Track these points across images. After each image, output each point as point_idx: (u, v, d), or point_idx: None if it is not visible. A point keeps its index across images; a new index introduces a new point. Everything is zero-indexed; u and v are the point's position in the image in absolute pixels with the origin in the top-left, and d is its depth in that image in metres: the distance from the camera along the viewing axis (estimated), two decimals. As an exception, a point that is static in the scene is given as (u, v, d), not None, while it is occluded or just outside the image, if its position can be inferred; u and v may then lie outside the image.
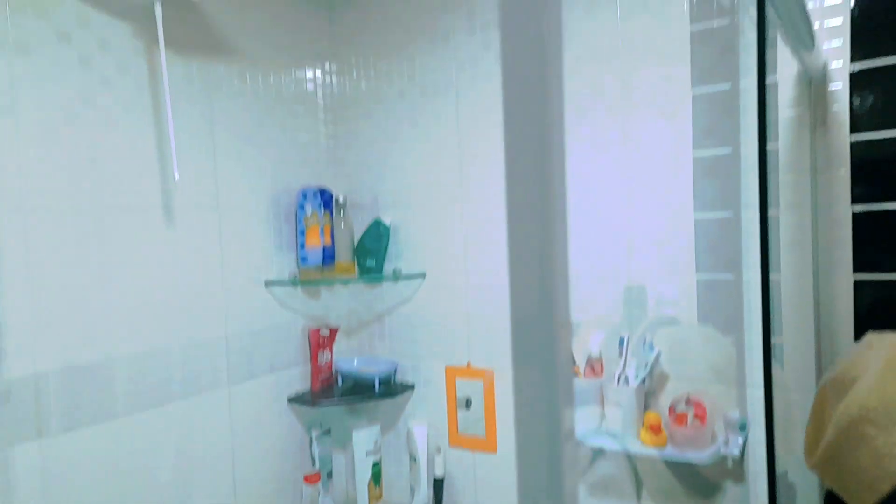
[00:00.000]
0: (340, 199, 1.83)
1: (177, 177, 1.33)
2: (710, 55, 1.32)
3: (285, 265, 1.77)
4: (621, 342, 1.41)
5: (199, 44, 1.53)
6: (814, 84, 1.19)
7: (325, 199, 1.81)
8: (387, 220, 1.83)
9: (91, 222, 1.29)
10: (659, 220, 1.40)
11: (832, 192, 1.23)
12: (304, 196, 1.77)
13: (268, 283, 1.72)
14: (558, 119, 0.34)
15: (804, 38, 0.96)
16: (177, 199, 1.46)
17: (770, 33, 0.96)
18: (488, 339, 1.69)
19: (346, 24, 1.89)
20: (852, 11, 1.18)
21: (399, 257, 1.84)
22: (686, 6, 1.34)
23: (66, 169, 1.25)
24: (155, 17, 1.33)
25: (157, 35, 1.33)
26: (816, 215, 1.25)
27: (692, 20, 1.33)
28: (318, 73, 1.90)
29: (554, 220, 0.34)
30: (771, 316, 0.92)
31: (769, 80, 1.24)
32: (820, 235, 1.25)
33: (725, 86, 1.30)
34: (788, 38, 0.95)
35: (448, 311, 1.75)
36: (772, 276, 1.29)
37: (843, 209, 1.22)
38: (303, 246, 1.76)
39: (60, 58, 1.24)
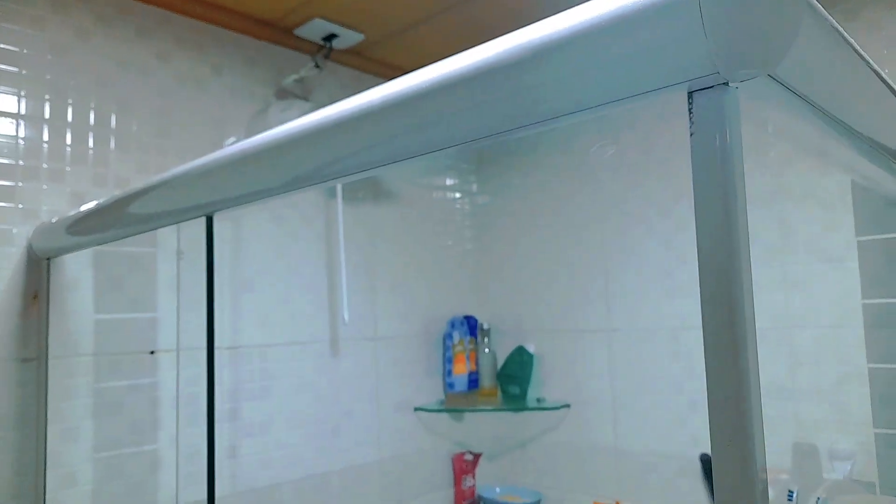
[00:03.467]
0: (485, 326, 1.90)
1: (346, 318, 1.46)
2: (875, 205, 1.29)
3: (432, 390, 1.84)
4: (790, 496, 1.32)
5: (369, 193, 1.70)
6: None
7: (471, 326, 1.89)
8: (530, 348, 1.87)
9: (274, 357, 1.43)
10: (827, 368, 1.34)
11: None
12: (452, 325, 1.85)
13: (417, 409, 1.79)
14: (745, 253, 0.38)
15: None
16: (342, 334, 1.59)
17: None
18: (640, 478, 1.64)
19: (494, 166, 2.03)
20: None
21: (543, 385, 1.86)
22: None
23: (256, 312, 1.41)
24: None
25: (337, 190, 1.51)
26: None
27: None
28: (467, 206, 2.03)
29: (745, 351, 0.36)
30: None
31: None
32: None
33: (891, 234, 1.26)
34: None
35: (594, 444, 1.73)
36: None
37: None
38: (450, 373, 1.83)
39: (261, 218, 1.43)
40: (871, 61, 0.49)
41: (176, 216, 0.83)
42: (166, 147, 1.34)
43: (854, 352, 1.30)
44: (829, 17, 0.41)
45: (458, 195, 2.01)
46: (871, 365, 1.30)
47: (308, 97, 1.52)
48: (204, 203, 0.77)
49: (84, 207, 1.08)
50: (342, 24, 1.45)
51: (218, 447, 1.32)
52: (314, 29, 1.45)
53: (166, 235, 1.35)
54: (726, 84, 0.38)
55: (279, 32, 1.48)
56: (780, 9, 0.36)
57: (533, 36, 0.42)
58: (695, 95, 0.39)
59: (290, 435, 1.45)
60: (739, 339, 0.36)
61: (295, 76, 1.44)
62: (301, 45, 1.53)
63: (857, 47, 0.47)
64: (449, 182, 1.98)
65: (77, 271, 1.23)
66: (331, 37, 1.49)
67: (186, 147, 1.37)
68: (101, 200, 1.02)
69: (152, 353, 1.33)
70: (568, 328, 1.81)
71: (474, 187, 2.05)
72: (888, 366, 1.28)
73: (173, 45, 1.37)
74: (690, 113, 0.39)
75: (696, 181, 0.39)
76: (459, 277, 1.98)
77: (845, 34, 0.44)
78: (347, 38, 1.50)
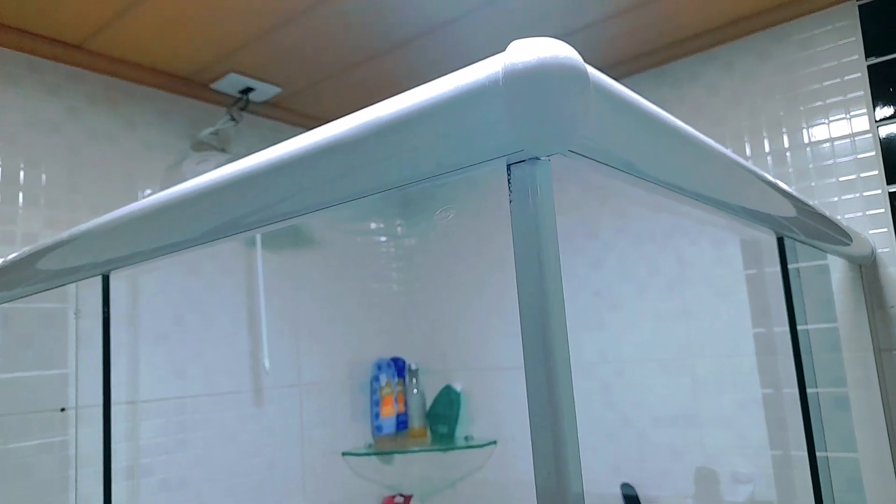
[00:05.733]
0: (413, 367, 1.92)
1: (267, 366, 1.47)
2: (758, 241, 1.39)
3: (360, 434, 1.85)
4: (699, 521, 1.38)
5: (289, 241, 1.72)
6: (864, 269, 1.24)
7: (399, 367, 1.91)
8: (457, 387, 1.90)
9: (192, 409, 1.42)
10: (726, 394, 1.42)
11: (900, 369, 1.23)
12: (379, 367, 1.87)
13: (345, 454, 1.79)
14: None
15: (838, 240, 1.03)
16: (265, 382, 1.59)
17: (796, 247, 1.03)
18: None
19: (420, 208, 2.08)
20: (892, 196, 1.24)
21: (471, 423, 1.89)
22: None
23: (172, 364, 1.40)
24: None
25: (256, 238, 1.52)
26: (886, 392, 1.25)
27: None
28: (393, 249, 2.07)
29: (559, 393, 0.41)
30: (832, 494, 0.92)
31: (817, 263, 1.30)
32: (893, 412, 1.24)
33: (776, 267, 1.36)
34: (823, 246, 1.02)
35: (521, 480, 1.76)
36: (847, 455, 1.27)
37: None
38: (377, 416, 1.84)
39: (174, 268, 1.43)
40: (679, 123, 0.56)
41: (73, 275, 0.84)
42: (77, 202, 1.34)
43: (749, 378, 1.39)
44: (624, 92, 0.47)
45: (383, 238, 2.05)
46: (764, 391, 1.39)
47: (226, 148, 1.54)
48: (99, 262, 0.79)
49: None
50: (258, 78, 1.49)
51: (132, 505, 1.30)
52: (230, 83, 1.49)
53: (78, 289, 1.33)
54: (537, 158, 0.43)
55: (194, 87, 1.51)
56: (567, 92, 0.41)
57: (378, 114, 0.47)
58: (512, 168, 0.44)
59: (210, 489, 1.43)
60: (557, 397, 0.41)
61: (211, 129, 1.47)
62: (217, 99, 1.56)
63: (659, 112, 0.53)
64: (374, 226, 2.02)
65: (-19, 330, 1.21)
66: (247, 90, 1.53)
67: (99, 201, 1.37)
68: (5, 259, 1.02)
69: (63, 410, 1.30)
70: (492, 366, 1.85)
71: (399, 230, 2.10)
72: (778, 391, 1.37)
73: (84, 101, 1.37)
74: (509, 183, 0.44)
75: (516, 243, 0.44)
76: (386, 319, 2.00)
77: (644, 103, 0.51)
78: (264, 91, 1.54)
